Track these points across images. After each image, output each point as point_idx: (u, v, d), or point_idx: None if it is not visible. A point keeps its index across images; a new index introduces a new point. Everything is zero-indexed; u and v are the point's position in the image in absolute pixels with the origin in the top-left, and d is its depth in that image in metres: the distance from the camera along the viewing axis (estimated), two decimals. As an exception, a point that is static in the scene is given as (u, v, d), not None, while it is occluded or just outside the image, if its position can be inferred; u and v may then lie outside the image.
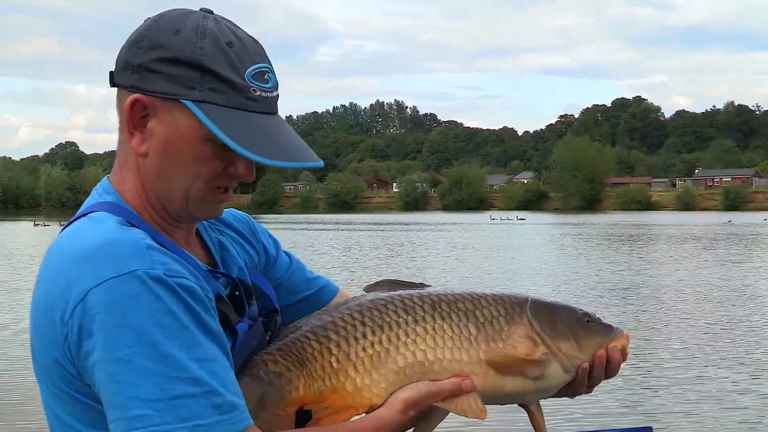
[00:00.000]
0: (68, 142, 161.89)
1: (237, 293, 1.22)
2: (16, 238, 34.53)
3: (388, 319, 1.24)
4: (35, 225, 49.42)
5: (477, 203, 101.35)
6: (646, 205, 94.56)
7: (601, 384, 1.32)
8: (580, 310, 1.34)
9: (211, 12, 1.17)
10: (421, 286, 1.33)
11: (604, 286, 15.52)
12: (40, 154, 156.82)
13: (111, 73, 1.18)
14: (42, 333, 1.09)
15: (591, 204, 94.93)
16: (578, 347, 1.29)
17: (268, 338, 1.25)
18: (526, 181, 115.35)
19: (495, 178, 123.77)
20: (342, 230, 43.95)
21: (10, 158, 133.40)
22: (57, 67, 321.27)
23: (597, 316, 1.35)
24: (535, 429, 1.33)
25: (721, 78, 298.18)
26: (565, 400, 1.34)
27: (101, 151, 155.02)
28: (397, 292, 1.29)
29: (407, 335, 1.23)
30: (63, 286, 1.06)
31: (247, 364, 1.20)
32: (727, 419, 6.48)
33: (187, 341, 1.04)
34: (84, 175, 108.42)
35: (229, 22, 1.17)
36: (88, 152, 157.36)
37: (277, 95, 1.18)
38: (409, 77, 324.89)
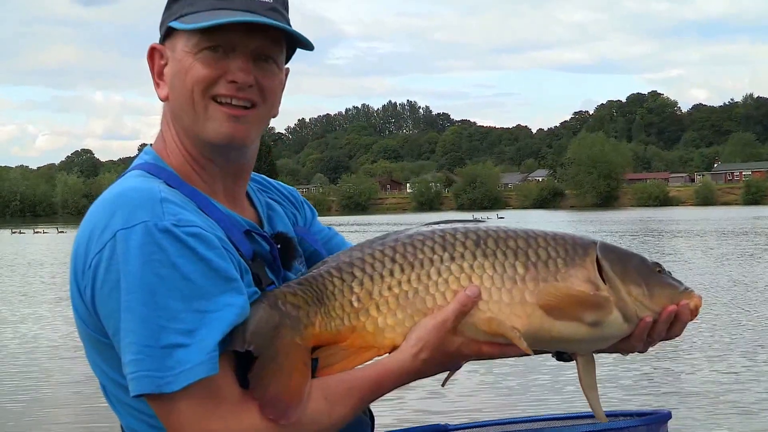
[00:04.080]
0: (84, 149, 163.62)
1: (273, 252, 1.25)
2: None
3: (421, 256, 1.16)
4: (12, 233, 50.71)
5: (491, 202, 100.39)
6: (663, 200, 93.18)
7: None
8: (652, 260, 1.25)
9: None
10: (477, 221, 1.25)
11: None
12: (57, 162, 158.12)
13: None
14: (74, 286, 1.16)
15: (607, 200, 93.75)
16: (649, 295, 1.19)
17: None
18: (540, 179, 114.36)
19: (509, 176, 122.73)
20: (360, 232, 43.33)
21: (27, 167, 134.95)
22: (75, 76, 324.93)
23: (668, 270, 1.25)
24: (581, 383, 1.21)
25: (740, 70, 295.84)
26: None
27: (116, 158, 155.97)
28: (440, 227, 1.21)
29: (440, 274, 1.15)
30: (86, 238, 1.15)
31: (266, 293, 1.17)
32: (749, 412, 6.24)
33: (186, 292, 1.07)
34: (99, 182, 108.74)
35: None
36: (103, 159, 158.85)
37: (272, 4, 1.21)
38: (423, 77, 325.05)
